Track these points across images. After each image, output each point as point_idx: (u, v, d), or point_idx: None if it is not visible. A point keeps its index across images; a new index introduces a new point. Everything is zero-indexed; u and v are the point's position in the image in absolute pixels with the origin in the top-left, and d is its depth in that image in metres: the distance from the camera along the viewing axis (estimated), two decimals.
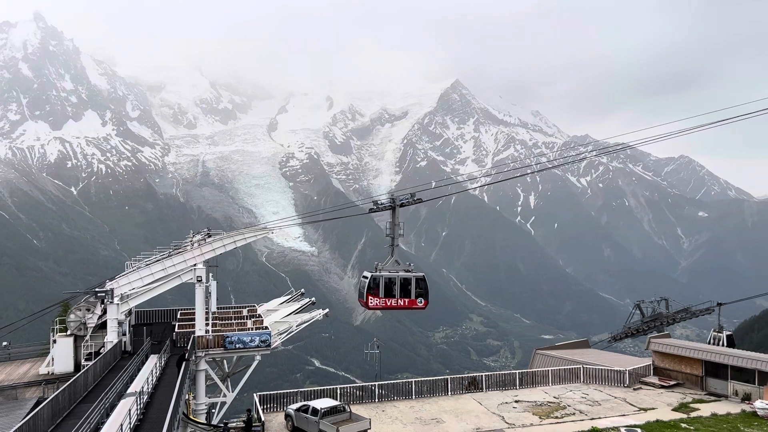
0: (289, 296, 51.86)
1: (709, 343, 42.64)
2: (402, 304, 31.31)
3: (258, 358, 40.49)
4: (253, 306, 51.01)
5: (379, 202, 30.30)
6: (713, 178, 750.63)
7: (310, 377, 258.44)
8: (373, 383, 38.74)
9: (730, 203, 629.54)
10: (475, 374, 42.29)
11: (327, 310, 47.65)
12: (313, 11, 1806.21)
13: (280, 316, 46.89)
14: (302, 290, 52.19)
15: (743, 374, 38.61)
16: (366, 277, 31.37)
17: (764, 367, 37.32)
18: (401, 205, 29.72)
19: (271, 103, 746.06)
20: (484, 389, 40.82)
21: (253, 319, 44.42)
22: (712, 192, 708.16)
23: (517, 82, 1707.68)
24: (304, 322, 45.49)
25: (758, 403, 35.01)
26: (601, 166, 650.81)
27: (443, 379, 40.97)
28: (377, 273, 31.12)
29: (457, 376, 42.27)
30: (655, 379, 43.09)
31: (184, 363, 33.09)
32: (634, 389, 41.48)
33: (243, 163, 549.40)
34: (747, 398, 37.76)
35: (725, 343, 40.66)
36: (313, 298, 49.69)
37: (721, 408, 36.37)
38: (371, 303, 31.03)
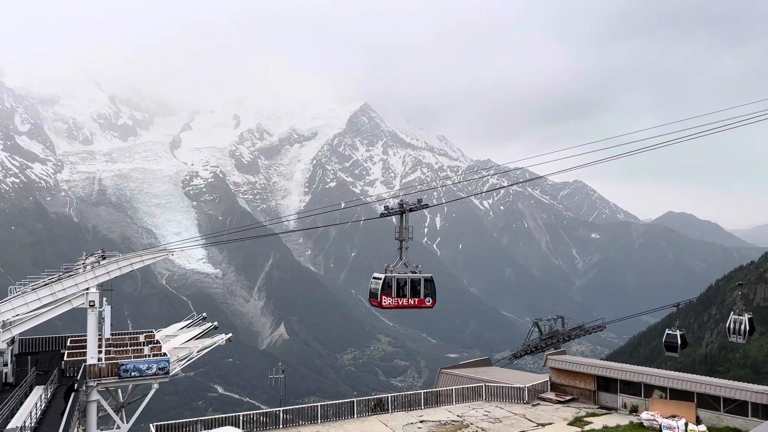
0: (190, 321, 49.94)
1: (728, 327, 39.82)
2: (412, 303, 32.47)
3: (155, 386, 38.59)
4: (151, 331, 48.69)
5: (389, 207, 32.10)
6: (604, 202, 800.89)
7: (213, 404, 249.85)
8: (277, 408, 37.90)
9: (619, 226, 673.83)
10: (381, 395, 42.34)
11: (230, 334, 46.24)
12: (217, 28, 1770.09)
13: (180, 342, 45.00)
14: (204, 314, 50.41)
15: (631, 387, 40.99)
16: (378, 279, 32.23)
17: (649, 380, 39.79)
18: (410, 210, 30.96)
19: (175, 120, 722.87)
20: (390, 410, 40.92)
21: (150, 346, 42.34)
22: (603, 215, 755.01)
23: (423, 106, 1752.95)
24: (206, 348, 43.87)
25: (644, 415, 37.29)
26: (502, 189, 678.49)
27: (349, 401, 40.69)
28: (389, 274, 32.04)
29: (364, 398, 42.13)
30: (552, 395, 44.84)
31: (72, 394, 31.02)
32: (533, 405, 42.98)
33: (143, 181, 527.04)
34: (635, 410, 40.08)
35: (747, 327, 39.01)
36: (215, 323, 48.11)
37: (612, 420, 38.41)
38: (385, 302, 31.86)
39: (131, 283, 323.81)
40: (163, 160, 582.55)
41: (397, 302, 32.08)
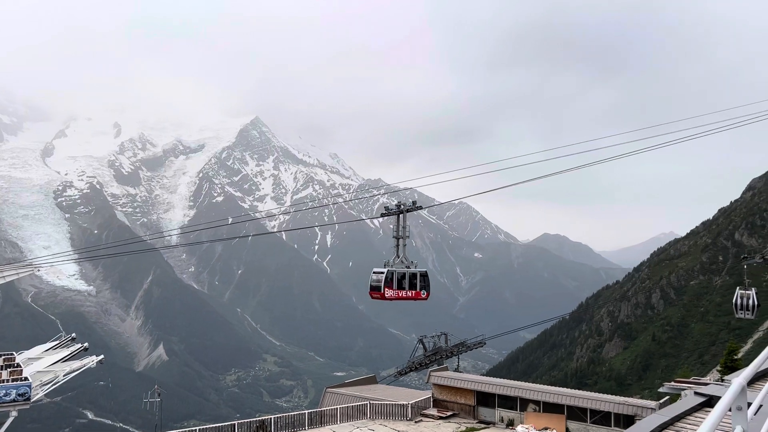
0: (58, 341, 46.27)
1: (734, 303, 40.64)
2: (410, 295, 35.18)
3: (14, 413, 35.31)
4: (11, 354, 44.55)
5: (389, 207, 35.86)
6: (486, 223, 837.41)
7: (82, 431, 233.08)
8: None
9: (500, 246, 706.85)
10: (264, 417, 41.29)
11: (101, 356, 43.25)
12: (99, 33, 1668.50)
13: (45, 365, 41.48)
14: (73, 335, 46.90)
15: (508, 402, 42.71)
16: (381, 272, 34.95)
17: (525, 395, 41.69)
18: (408, 210, 35.06)
19: (48, 125, 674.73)
20: None
21: (9, 369, 38.73)
22: (485, 235, 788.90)
23: (316, 124, 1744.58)
24: (74, 371, 40.73)
25: (519, 428, 38.97)
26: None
27: (230, 424, 39.32)
28: (391, 269, 34.82)
29: (246, 420, 40.91)
30: (434, 411, 45.74)
31: None
32: (416, 422, 43.62)
33: (9, 190, 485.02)
34: (511, 424, 41.78)
35: (755, 301, 39.62)
36: (85, 344, 44.90)
37: None
38: (387, 294, 34.36)
39: None
40: (33, 168, 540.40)
41: (397, 294, 34.90)
